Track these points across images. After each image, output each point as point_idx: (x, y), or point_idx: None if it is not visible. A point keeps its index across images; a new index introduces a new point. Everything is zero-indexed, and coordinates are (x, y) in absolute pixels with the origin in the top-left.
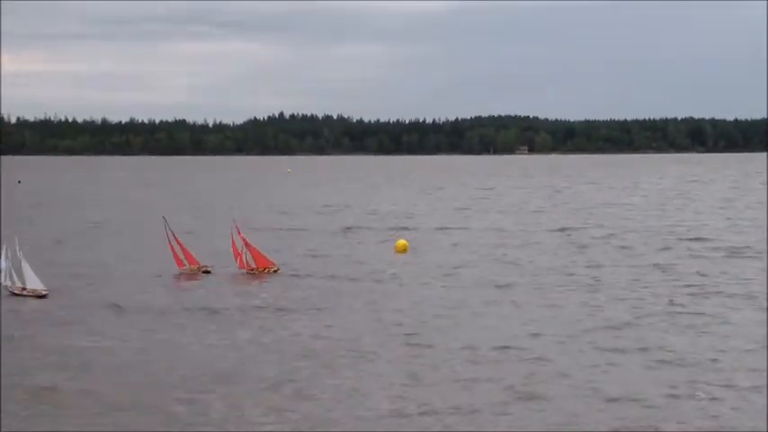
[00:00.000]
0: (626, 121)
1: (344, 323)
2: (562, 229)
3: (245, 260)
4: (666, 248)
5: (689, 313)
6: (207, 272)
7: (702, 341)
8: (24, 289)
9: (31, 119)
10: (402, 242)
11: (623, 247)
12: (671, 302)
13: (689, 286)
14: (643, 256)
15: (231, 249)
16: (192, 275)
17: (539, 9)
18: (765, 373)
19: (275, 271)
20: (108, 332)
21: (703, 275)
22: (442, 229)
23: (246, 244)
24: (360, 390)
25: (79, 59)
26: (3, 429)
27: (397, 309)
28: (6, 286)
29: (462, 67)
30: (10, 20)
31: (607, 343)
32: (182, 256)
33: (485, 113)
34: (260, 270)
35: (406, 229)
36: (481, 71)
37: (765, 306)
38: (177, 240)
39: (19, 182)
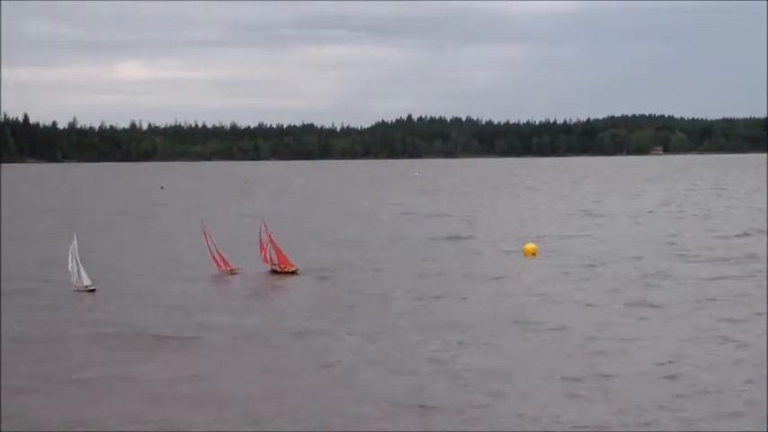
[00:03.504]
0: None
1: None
2: None
3: (268, 256)
4: None
5: None
6: (234, 273)
7: None
8: (85, 287)
9: (162, 125)
10: (530, 246)
11: None
12: None
13: None
14: None
15: (258, 244)
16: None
17: (673, 8)
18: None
19: (293, 272)
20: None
21: None
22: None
23: (271, 240)
24: None
25: (207, 66)
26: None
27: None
28: (72, 283)
29: (594, 66)
30: (143, 28)
31: None
32: (218, 258)
33: (617, 113)
34: (281, 268)
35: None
36: (613, 70)
37: None
38: (214, 243)
39: (162, 187)
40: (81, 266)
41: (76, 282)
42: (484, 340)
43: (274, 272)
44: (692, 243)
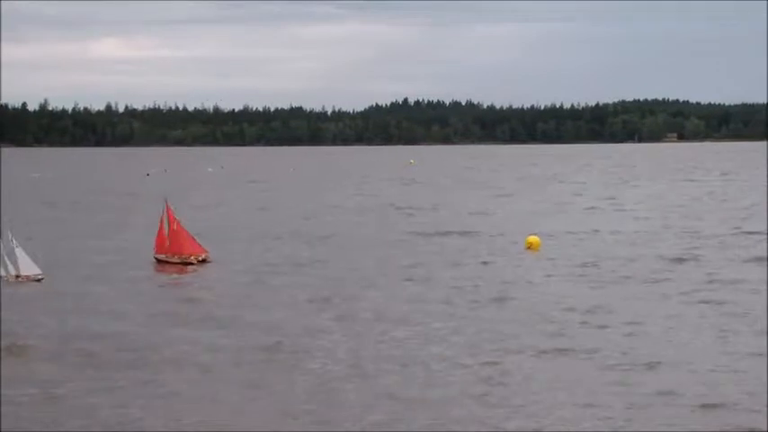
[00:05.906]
0: None
1: None
2: None
3: (167, 243)
4: None
5: None
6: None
7: None
8: (19, 276)
9: (140, 108)
10: (533, 238)
11: None
12: None
13: None
14: None
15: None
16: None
17: None
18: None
19: (203, 260)
20: None
21: None
22: None
23: (177, 228)
24: None
25: (189, 44)
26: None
27: None
28: (2, 276)
29: (603, 47)
30: (119, 4)
31: None
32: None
33: (629, 98)
34: (185, 256)
35: None
36: (624, 51)
37: None
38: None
39: (148, 174)
40: (21, 255)
41: (3, 272)
42: None
43: (163, 261)
44: None
